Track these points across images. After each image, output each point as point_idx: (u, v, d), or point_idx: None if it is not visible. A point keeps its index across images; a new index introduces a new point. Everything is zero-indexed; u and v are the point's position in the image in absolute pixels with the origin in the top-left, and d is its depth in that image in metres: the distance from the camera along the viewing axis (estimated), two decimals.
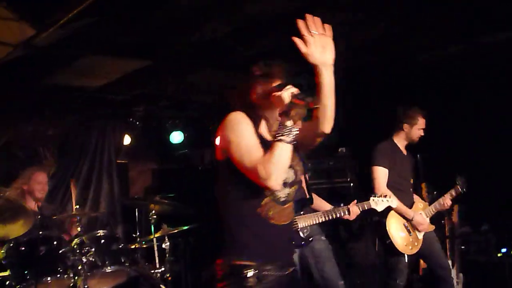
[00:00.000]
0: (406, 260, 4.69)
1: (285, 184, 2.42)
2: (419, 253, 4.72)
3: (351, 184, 6.12)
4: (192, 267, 5.43)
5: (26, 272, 4.21)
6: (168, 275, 5.05)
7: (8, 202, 4.39)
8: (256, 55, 5.21)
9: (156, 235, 5.19)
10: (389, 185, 4.63)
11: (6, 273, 4.26)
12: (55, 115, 6.43)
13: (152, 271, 5.04)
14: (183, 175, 7.28)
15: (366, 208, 4.31)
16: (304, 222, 3.96)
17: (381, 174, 4.64)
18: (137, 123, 7.07)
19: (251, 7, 4.20)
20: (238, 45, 5.02)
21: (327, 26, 2.14)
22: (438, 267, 4.71)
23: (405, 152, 4.87)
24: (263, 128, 2.50)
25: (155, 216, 5.18)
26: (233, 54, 5.22)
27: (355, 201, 4.30)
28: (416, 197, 4.92)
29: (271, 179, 2.21)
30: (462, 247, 5.49)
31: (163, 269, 5.07)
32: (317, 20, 2.13)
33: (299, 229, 3.89)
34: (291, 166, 2.41)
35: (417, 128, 4.75)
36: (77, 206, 4.72)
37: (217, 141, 2.41)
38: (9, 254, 4.26)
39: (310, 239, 3.92)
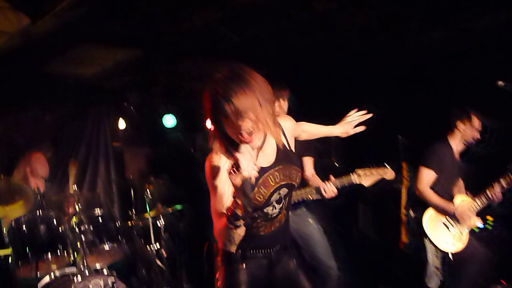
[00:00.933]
0: (451, 258, 4.29)
1: (278, 201, 2.43)
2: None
3: None
4: (186, 244, 5.65)
5: (27, 250, 4.34)
6: (163, 251, 5.26)
7: (7, 184, 4.56)
8: (247, 42, 5.32)
9: (151, 214, 5.39)
10: (431, 187, 4.37)
11: (9, 251, 4.40)
12: (52, 102, 6.56)
13: (148, 248, 5.25)
14: (175, 157, 7.48)
15: (346, 184, 3.68)
16: None
17: (426, 176, 4.34)
18: (131, 108, 7.23)
19: None
20: (229, 32, 4.99)
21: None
22: None
23: (457, 156, 4.48)
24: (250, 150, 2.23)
25: (150, 196, 5.39)
26: (225, 41, 5.20)
27: (331, 176, 3.70)
28: (459, 192, 4.56)
29: (226, 248, 2.29)
30: None
31: (158, 246, 5.28)
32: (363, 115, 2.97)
33: None
34: (284, 186, 2.40)
35: (474, 128, 4.38)
36: (75, 187, 4.87)
37: None
38: (11, 233, 4.40)
39: None
